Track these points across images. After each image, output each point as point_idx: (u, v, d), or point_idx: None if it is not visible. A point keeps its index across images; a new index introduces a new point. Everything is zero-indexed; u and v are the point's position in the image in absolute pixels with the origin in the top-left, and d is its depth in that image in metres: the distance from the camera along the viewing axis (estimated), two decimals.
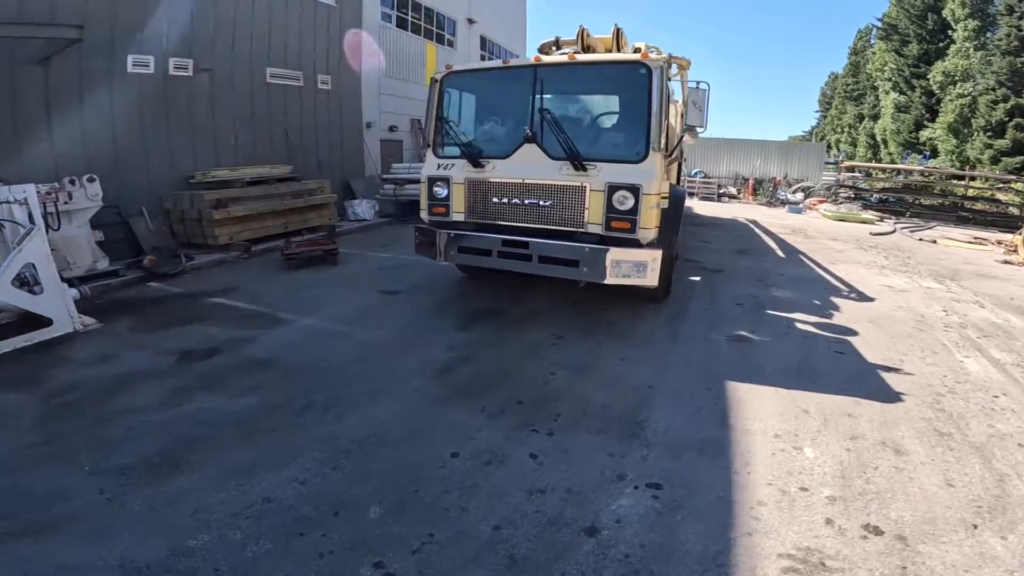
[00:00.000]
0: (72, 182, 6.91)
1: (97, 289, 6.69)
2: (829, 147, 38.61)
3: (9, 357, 4.73)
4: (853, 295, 7.12)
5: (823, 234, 12.86)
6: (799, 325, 5.74)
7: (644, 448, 3.33)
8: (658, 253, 4.90)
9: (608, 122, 5.57)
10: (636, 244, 4.92)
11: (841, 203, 17.94)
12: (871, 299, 6.94)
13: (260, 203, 8.92)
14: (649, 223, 4.86)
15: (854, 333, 5.54)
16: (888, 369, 4.64)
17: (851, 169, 21.14)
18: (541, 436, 3.45)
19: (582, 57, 5.24)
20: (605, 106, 5.72)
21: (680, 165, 8.39)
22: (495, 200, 5.31)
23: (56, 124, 7.49)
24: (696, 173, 22.62)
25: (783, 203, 19.33)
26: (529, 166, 5.18)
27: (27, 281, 5.22)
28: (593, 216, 4.98)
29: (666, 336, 5.28)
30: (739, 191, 21.91)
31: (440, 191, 5.59)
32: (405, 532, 2.59)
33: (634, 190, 4.76)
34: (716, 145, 23.52)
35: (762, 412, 3.80)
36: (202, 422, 3.64)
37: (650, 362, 4.64)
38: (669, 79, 5.12)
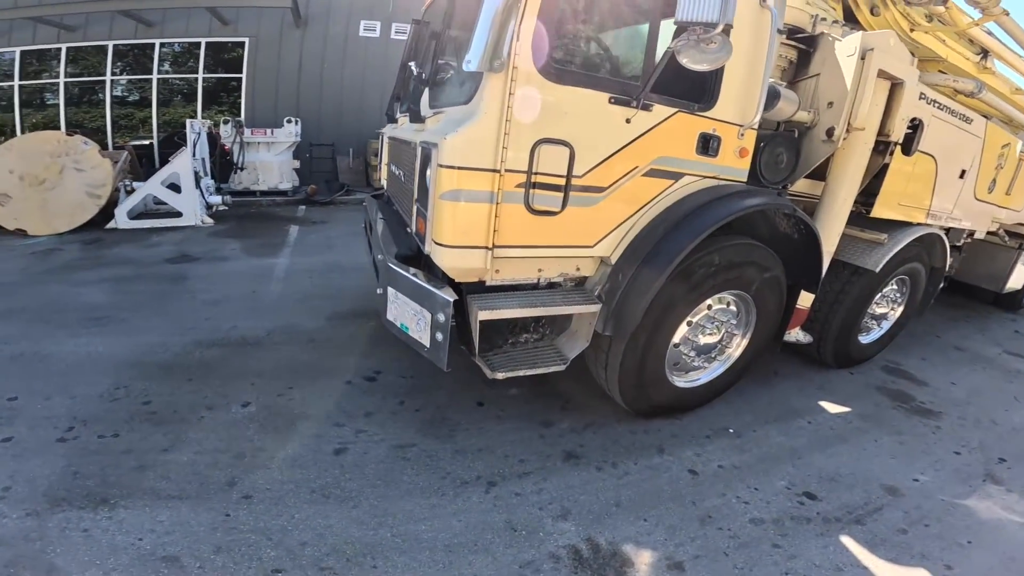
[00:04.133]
0: (289, 121, 9.06)
1: (266, 201, 8.74)
2: None
3: (145, 229, 6.82)
4: None
5: None
6: None
7: None
8: (447, 300, 2.45)
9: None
10: (447, 274, 2.59)
11: None
12: None
13: None
14: (453, 233, 2.41)
15: None
16: None
17: None
18: None
19: None
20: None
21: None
22: (392, 168, 4.10)
23: (304, 75, 9.75)
24: None
25: None
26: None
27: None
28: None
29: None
30: None
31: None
32: None
33: (426, 158, 2.49)
34: None
35: None
36: (38, 294, 4.48)
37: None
38: None
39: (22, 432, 2.66)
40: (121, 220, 6.86)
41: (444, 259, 2.48)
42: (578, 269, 2.87)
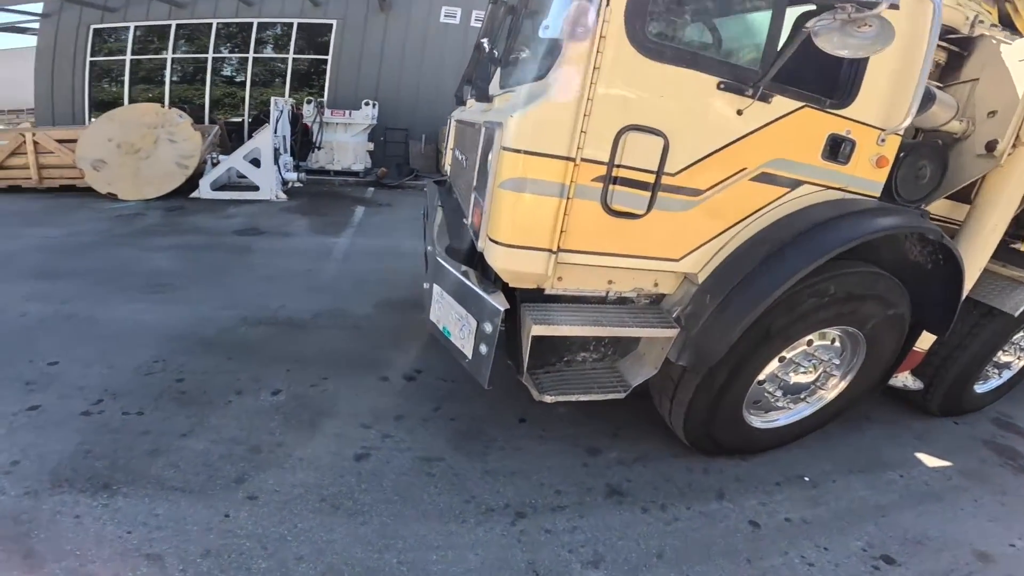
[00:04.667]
0: (367, 103, 9.11)
1: (338, 181, 8.88)
2: None
3: (224, 200, 7.10)
4: None
5: None
6: None
7: None
8: (497, 309, 2.07)
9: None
10: (497, 275, 2.24)
11: None
12: None
13: None
14: (512, 230, 2.06)
15: None
16: None
17: None
18: None
19: None
20: None
21: None
22: (456, 153, 3.81)
23: (385, 59, 9.79)
24: None
25: None
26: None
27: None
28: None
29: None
30: None
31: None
32: None
33: (489, 140, 2.14)
34: None
35: None
36: (110, 256, 4.71)
37: None
38: None
39: (51, 401, 2.64)
40: (204, 190, 7.12)
41: (498, 259, 2.12)
42: (656, 284, 2.44)
